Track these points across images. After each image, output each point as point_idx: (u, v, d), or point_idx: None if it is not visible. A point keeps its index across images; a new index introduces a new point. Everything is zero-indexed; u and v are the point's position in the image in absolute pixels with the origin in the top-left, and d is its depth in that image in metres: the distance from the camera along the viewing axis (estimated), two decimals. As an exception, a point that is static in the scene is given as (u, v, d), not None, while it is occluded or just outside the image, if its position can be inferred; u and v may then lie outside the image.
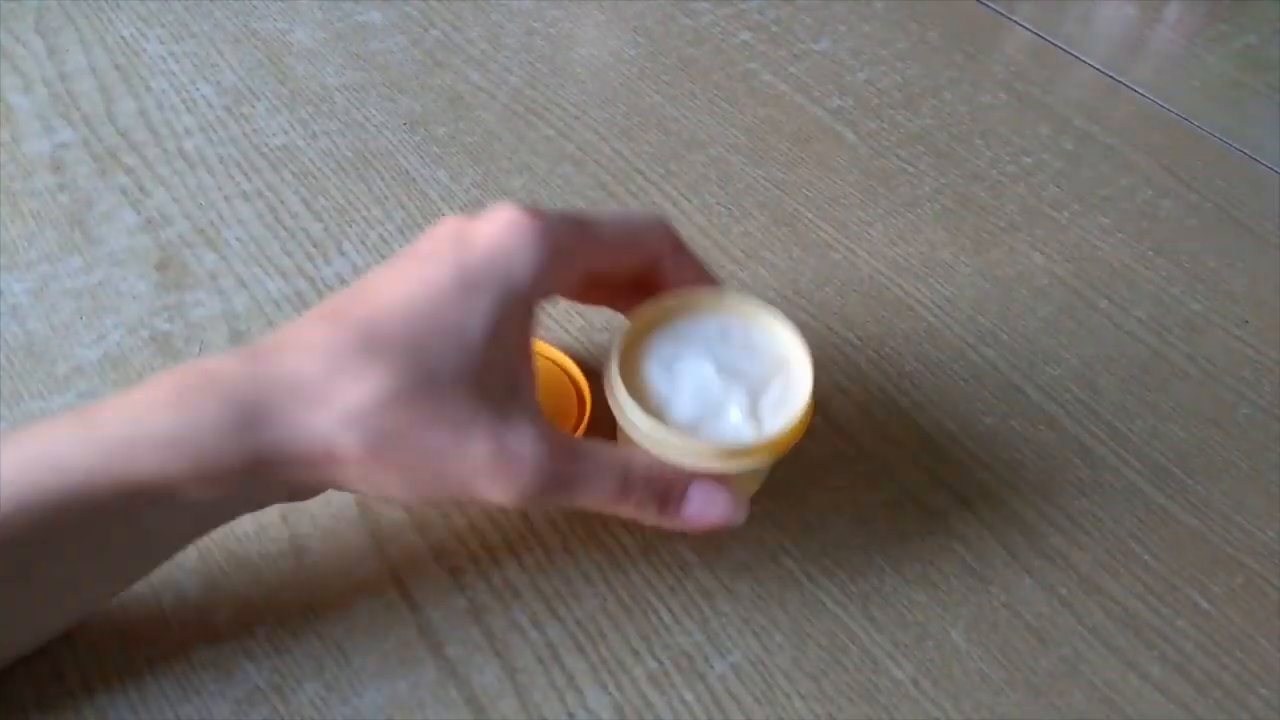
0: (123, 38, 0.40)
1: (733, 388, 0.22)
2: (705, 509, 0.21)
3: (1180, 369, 0.34)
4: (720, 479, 0.22)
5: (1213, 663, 0.26)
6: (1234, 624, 0.27)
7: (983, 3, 0.51)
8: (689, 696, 0.24)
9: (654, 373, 0.22)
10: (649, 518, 0.21)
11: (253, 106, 0.38)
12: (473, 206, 0.36)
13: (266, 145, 0.37)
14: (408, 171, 0.37)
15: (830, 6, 0.49)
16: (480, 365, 0.18)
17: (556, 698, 0.23)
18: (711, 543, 0.26)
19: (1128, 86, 0.47)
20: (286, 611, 0.24)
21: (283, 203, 0.35)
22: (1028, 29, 0.50)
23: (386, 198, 0.36)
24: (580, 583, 0.25)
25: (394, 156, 0.37)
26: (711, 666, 0.24)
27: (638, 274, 0.23)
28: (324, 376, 0.18)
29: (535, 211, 0.20)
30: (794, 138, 0.41)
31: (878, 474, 0.29)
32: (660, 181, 0.38)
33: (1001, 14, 0.51)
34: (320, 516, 0.26)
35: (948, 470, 0.29)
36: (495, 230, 0.19)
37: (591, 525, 0.26)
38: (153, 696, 0.22)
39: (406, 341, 0.18)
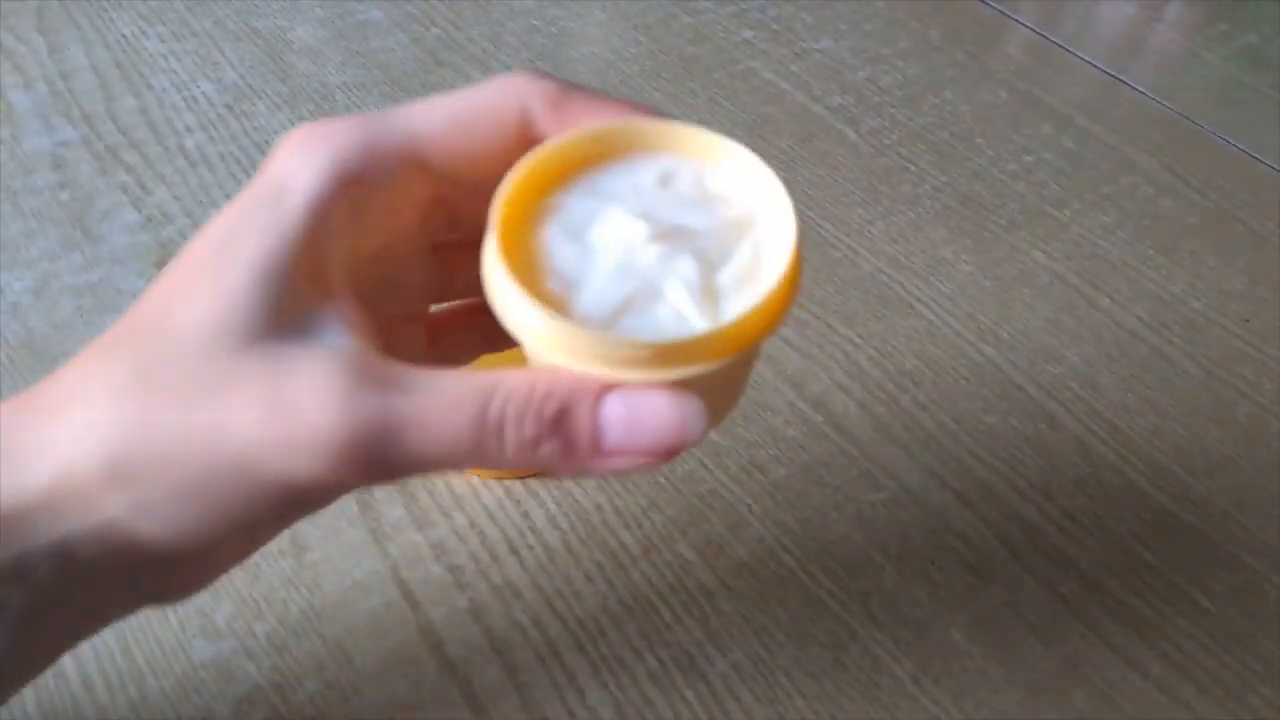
0: (123, 36, 0.40)
1: (675, 256, 0.14)
2: (633, 430, 0.13)
3: (1181, 367, 0.34)
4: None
5: (1213, 661, 0.26)
6: (1234, 622, 0.27)
7: (984, 2, 0.51)
8: (690, 695, 0.24)
9: (555, 243, 0.15)
10: (556, 460, 0.13)
11: (254, 104, 0.38)
12: (473, 205, 0.36)
13: (267, 143, 0.37)
14: (408, 170, 0.37)
15: (831, 5, 0.49)
16: (245, 314, 0.13)
17: (557, 696, 0.23)
18: (712, 541, 0.26)
19: (1128, 85, 0.47)
20: (286, 611, 0.24)
21: (283, 201, 0.35)
22: (1029, 28, 0.50)
23: (387, 196, 0.36)
24: (581, 581, 0.25)
25: (394, 155, 0.37)
26: (712, 665, 0.24)
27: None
28: (57, 397, 0.13)
29: (323, 121, 0.15)
30: (795, 136, 0.40)
31: (878, 472, 0.29)
32: (661, 180, 0.38)
33: (1003, 13, 0.51)
34: (320, 515, 0.26)
35: (948, 468, 0.29)
36: (270, 162, 0.15)
37: (592, 523, 0.26)
38: (153, 696, 0.22)
39: (153, 321, 0.13)
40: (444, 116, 0.15)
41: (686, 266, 0.14)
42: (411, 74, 0.41)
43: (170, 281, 0.14)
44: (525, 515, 0.26)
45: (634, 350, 0.13)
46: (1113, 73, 0.48)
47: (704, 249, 0.15)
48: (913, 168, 0.40)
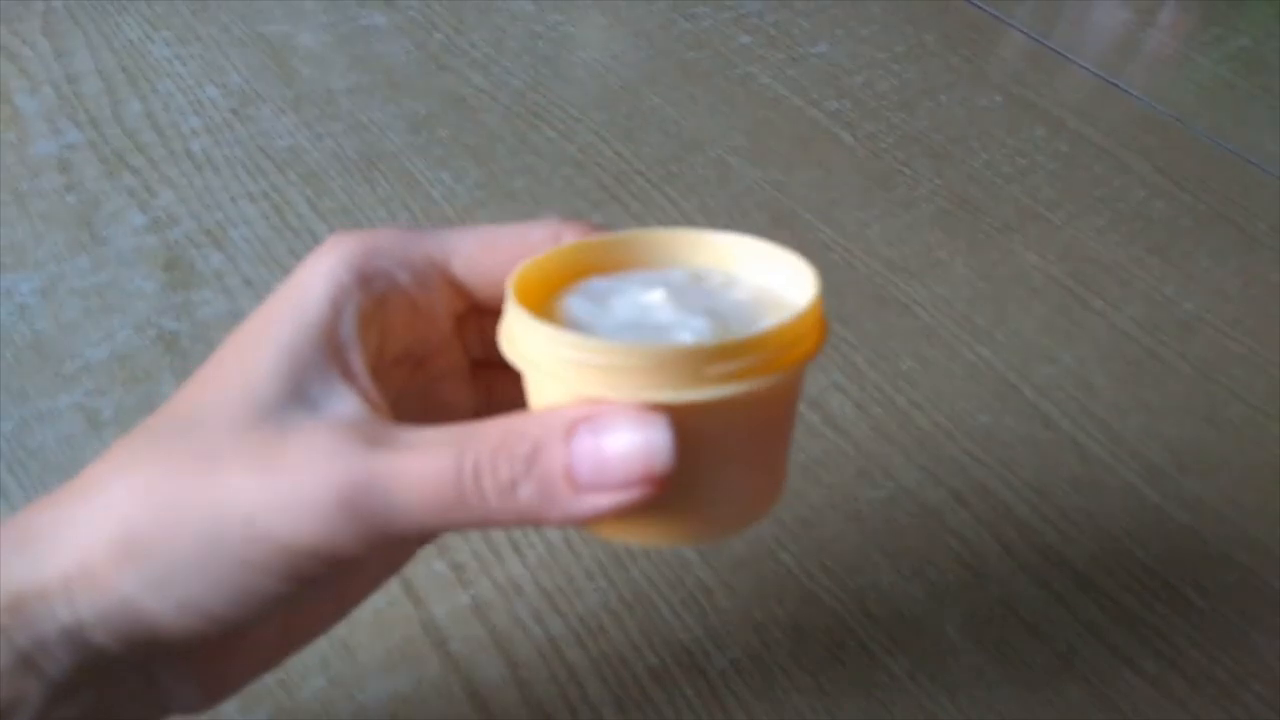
0: (129, 40, 0.41)
1: (690, 316, 0.14)
2: (601, 460, 0.13)
3: (1174, 368, 0.34)
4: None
5: (1206, 658, 0.26)
6: (1228, 620, 0.27)
7: (979, 6, 0.52)
8: (689, 691, 0.24)
9: (575, 304, 0.15)
10: (537, 504, 0.13)
11: (258, 108, 0.38)
12: (475, 207, 0.36)
13: (272, 147, 0.37)
14: (411, 173, 0.37)
15: (828, 10, 0.50)
16: (262, 394, 0.14)
17: (558, 692, 0.24)
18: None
19: (1122, 89, 0.48)
20: (292, 606, 0.24)
21: (288, 203, 0.35)
22: (1023, 32, 0.51)
23: (390, 199, 0.36)
24: (582, 579, 0.26)
25: (398, 158, 0.37)
26: (711, 661, 0.24)
27: None
28: (83, 487, 0.14)
29: (358, 230, 0.16)
30: (792, 140, 0.41)
31: (874, 471, 0.29)
32: (660, 183, 0.38)
33: (997, 18, 0.51)
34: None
35: (944, 467, 0.30)
36: (301, 263, 0.15)
37: (593, 522, 0.27)
38: (160, 690, 0.22)
39: (180, 409, 0.14)
40: (476, 235, 0.16)
41: (699, 323, 0.14)
42: (414, 78, 0.41)
43: (203, 371, 0.15)
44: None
45: (611, 356, 0.12)
46: (1106, 76, 0.48)
47: (722, 315, 0.14)
48: (908, 171, 0.41)
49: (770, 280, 0.15)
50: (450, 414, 0.17)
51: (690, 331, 0.13)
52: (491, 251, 0.16)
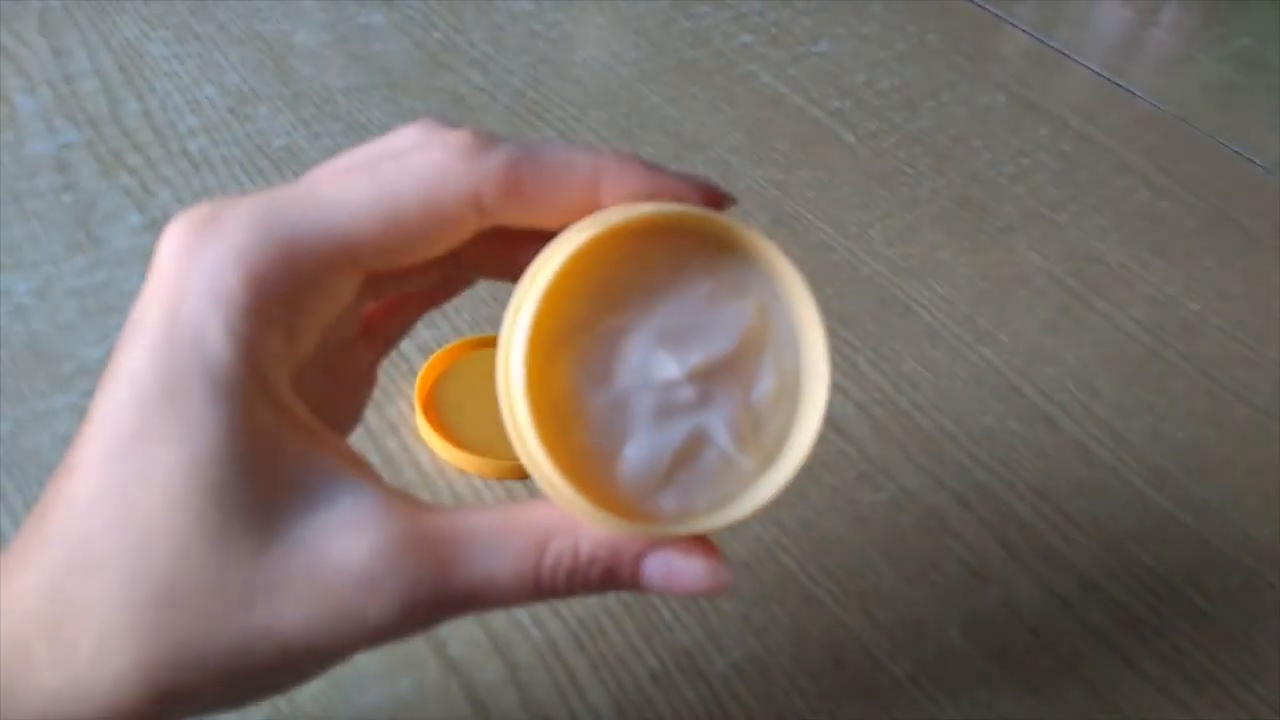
0: (126, 39, 0.41)
1: (712, 395, 0.14)
2: (671, 584, 0.13)
3: (1177, 369, 0.34)
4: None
5: (1210, 661, 0.26)
6: (1231, 623, 0.27)
7: (981, 5, 0.52)
8: (689, 694, 0.24)
9: (584, 387, 0.13)
10: (590, 592, 0.14)
11: (256, 108, 0.38)
12: (474, 207, 0.36)
13: (270, 146, 0.37)
14: (410, 173, 0.37)
15: (829, 9, 0.49)
16: (232, 507, 0.11)
17: (558, 696, 0.23)
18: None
19: (1125, 88, 0.47)
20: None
21: (285, 204, 0.35)
22: (1025, 31, 0.50)
23: (388, 199, 0.36)
24: (581, 581, 0.26)
25: (396, 158, 0.37)
26: (712, 664, 0.24)
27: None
28: (56, 638, 0.11)
29: (207, 212, 0.12)
30: (794, 139, 0.41)
31: (876, 473, 0.29)
32: (661, 183, 0.38)
33: (999, 17, 0.51)
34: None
35: (946, 470, 0.30)
36: (155, 284, 0.12)
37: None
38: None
39: (115, 536, 0.11)
40: (375, 214, 0.12)
41: (724, 403, 0.14)
42: (413, 77, 0.41)
43: (108, 471, 0.11)
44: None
45: (690, 529, 0.13)
46: (1109, 76, 0.48)
47: (734, 370, 0.14)
48: (910, 171, 0.40)
49: (748, 265, 0.14)
50: (346, 373, 0.16)
51: (722, 425, 0.14)
52: (403, 239, 0.13)
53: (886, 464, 0.29)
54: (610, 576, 0.13)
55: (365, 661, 0.24)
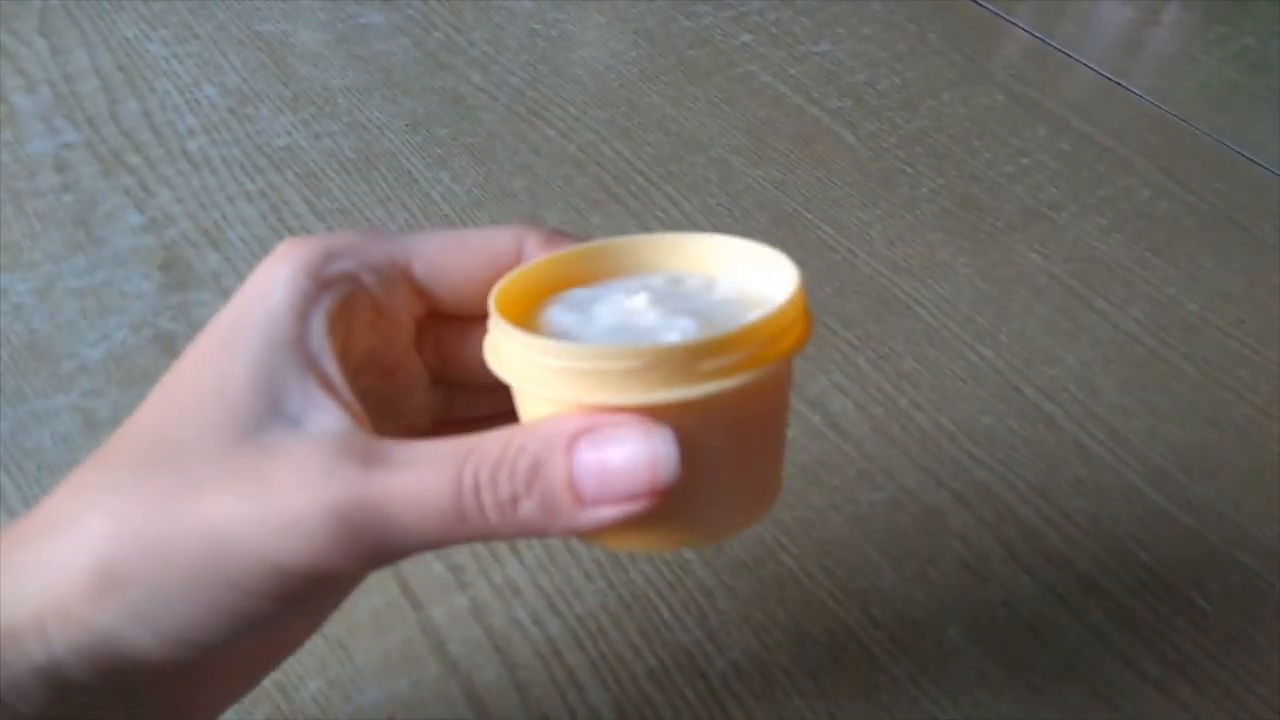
0: (126, 39, 0.41)
1: (675, 316, 0.14)
2: (606, 472, 0.12)
3: (1177, 369, 0.34)
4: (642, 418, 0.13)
5: (1210, 661, 0.26)
6: (1232, 622, 0.27)
7: (981, 5, 0.52)
8: (689, 693, 0.24)
9: (556, 314, 0.15)
10: (540, 519, 0.13)
11: (256, 108, 0.38)
12: (474, 207, 0.36)
13: (270, 146, 0.37)
14: (410, 172, 0.37)
15: (829, 9, 0.49)
16: (239, 412, 0.13)
17: (557, 694, 0.23)
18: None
19: (1125, 88, 0.47)
20: (289, 609, 0.24)
21: (286, 203, 0.35)
22: (1026, 31, 0.50)
23: (389, 198, 0.36)
24: (580, 580, 0.26)
25: (396, 157, 0.37)
26: (711, 663, 0.24)
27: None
28: (52, 516, 0.13)
29: (314, 235, 0.15)
30: (794, 139, 0.41)
31: (876, 472, 0.29)
32: (661, 182, 0.38)
33: (1000, 16, 0.51)
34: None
35: (946, 469, 0.30)
36: (256, 271, 0.15)
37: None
38: (156, 693, 0.22)
39: (149, 427, 0.14)
40: (438, 238, 0.16)
41: (686, 324, 0.14)
42: (413, 77, 0.41)
43: (165, 389, 0.14)
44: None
45: (598, 361, 0.12)
46: (1109, 75, 0.48)
47: (706, 315, 0.14)
48: (910, 170, 0.40)
49: (751, 278, 0.15)
50: (410, 424, 0.17)
51: (677, 332, 0.13)
52: (454, 255, 0.15)
53: (886, 463, 0.29)
54: (539, 469, 0.12)
55: (364, 660, 0.24)
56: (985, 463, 0.30)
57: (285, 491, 0.12)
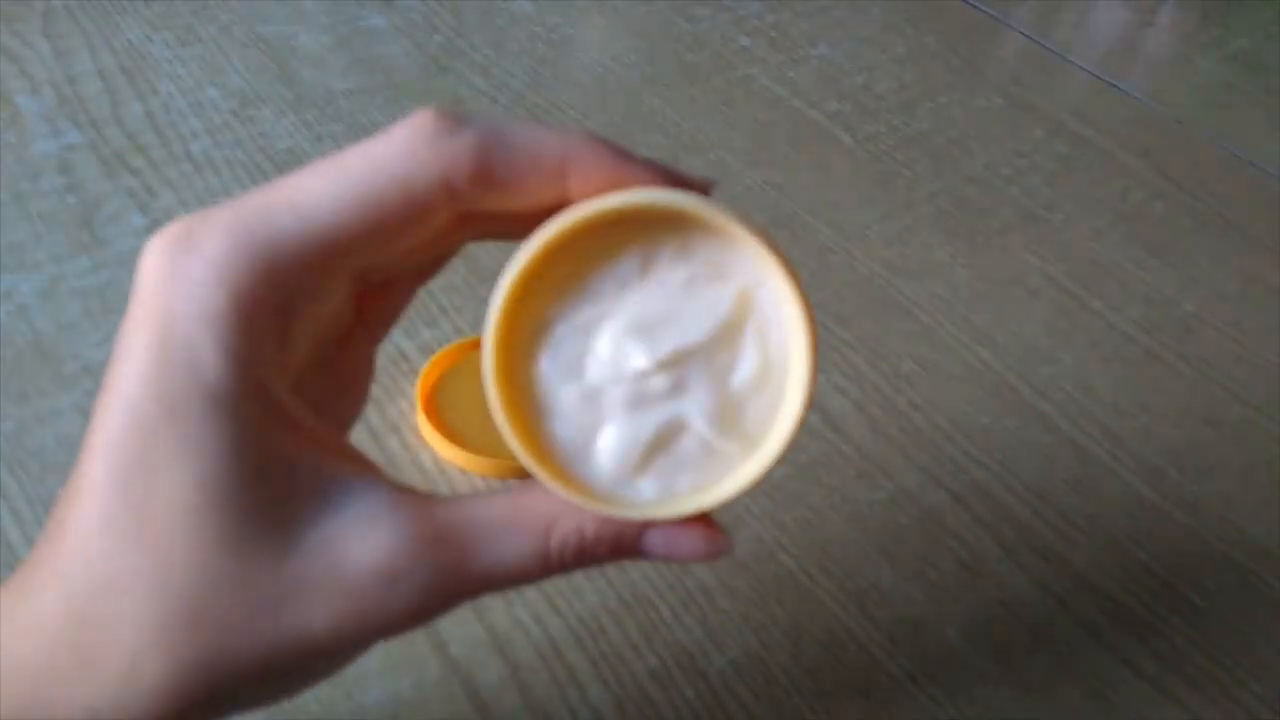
0: (129, 41, 0.41)
1: (686, 383, 0.14)
2: (673, 553, 0.14)
3: (1174, 369, 0.34)
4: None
5: (1206, 659, 0.26)
6: (1227, 620, 0.27)
7: (978, 8, 0.52)
8: (689, 692, 0.24)
9: (553, 382, 0.14)
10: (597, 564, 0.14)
11: (259, 110, 0.39)
12: (475, 209, 0.36)
13: (273, 148, 0.37)
14: (411, 174, 0.37)
15: (828, 12, 0.50)
16: (243, 507, 0.12)
17: (558, 694, 0.24)
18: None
19: (1121, 90, 0.48)
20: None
21: (287, 205, 0.35)
22: (1022, 34, 0.51)
23: (390, 200, 0.36)
24: (581, 579, 0.26)
25: (397, 159, 0.38)
26: (711, 663, 0.24)
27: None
28: (88, 659, 0.12)
29: (182, 229, 0.12)
30: (792, 141, 0.41)
31: (874, 472, 0.29)
32: (660, 184, 0.38)
33: (996, 19, 0.51)
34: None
35: (943, 469, 0.30)
36: (140, 307, 0.12)
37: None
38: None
39: (117, 562, 0.12)
40: (350, 211, 0.12)
41: (700, 393, 0.14)
42: (414, 79, 0.41)
43: (110, 517, 0.11)
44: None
45: (671, 510, 0.14)
46: (1106, 77, 0.48)
47: (709, 363, 0.14)
48: (908, 172, 0.41)
49: (726, 253, 0.14)
50: (345, 365, 0.15)
51: (700, 416, 0.14)
52: (379, 230, 0.12)
53: (884, 463, 0.30)
54: (615, 553, 0.14)
55: (366, 660, 0.24)
56: (983, 462, 0.30)
57: (379, 597, 0.12)
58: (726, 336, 0.14)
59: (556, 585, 0.26)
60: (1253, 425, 0.33)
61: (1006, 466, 0.30)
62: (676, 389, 0.14)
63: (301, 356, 0.13)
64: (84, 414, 0.28)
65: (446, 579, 0.13)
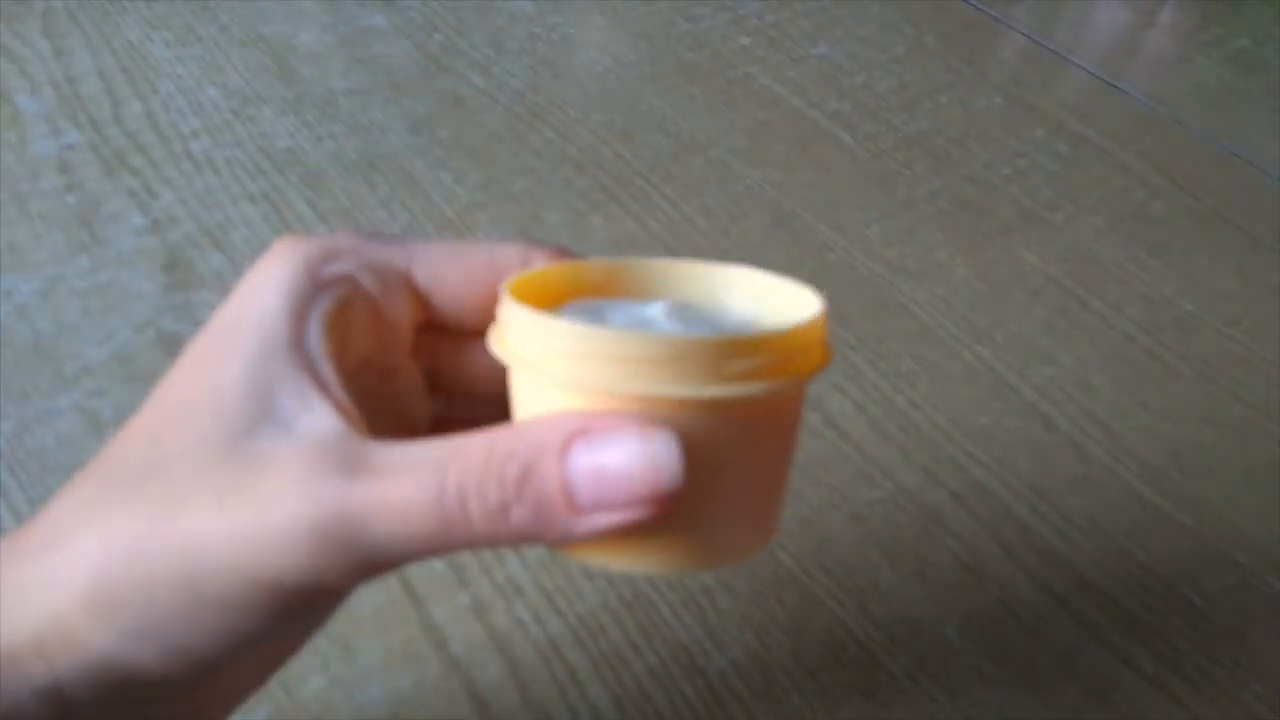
0: (129, 41, 0.41)
1: (695, 327, 0.13)
2: (602, 479, 0.12)
3: (1173, 369, 0.34)
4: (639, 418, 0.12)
5: (1207, 659, 0.26)
6: (1227, 620, 0.27)
7: (978, 7, 0.52)
8: (689, 691, 0.24)
9: (569, 315, 0.14)
10: (532, 527, 0.12)
11: (259, 109, 0.39)
12: (475, 208, 0.36)
13: (272, 148, 0.37)
14: (411, 174, 0.37)
15: (828, 11, 0.50)
16: (232, 419, 0.13)
17: (558, 693, 0.24)
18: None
19: (1121, 90, 0.48)
20: (292, 607, 0.24)
21: (288, 204, 0.35)
22: (1023, 33, 0.51)
23: (391, 200, 0.36)
24: (581, 579, 0.26)
25: (398, 159, 0.38)
26: (711, 662, 0.25)
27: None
28: (46, 534, 0.13)
29: (312, 234, 0.15)
30: (792, 141, 0.41)
31: (874, 472, 0.29)
32: (660, 184, 0.38)
33: (997, 18, 0.51)
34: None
35: (943, 468, 0.30)
36: (252, 270, 0.14)
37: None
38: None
39: (142, 437, 0.13)
40: (440, 246, 0.15)
41: (705, 331, 0.13)
42: (414, 79, 0.41)
43: (159, 395, 0.14)
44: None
45: (622, 346, 0.11)
46: (1106, 77, 0.48)
47: (726, 329, 0.14)
48: (908, 172, 0.41)
49: (769, 306, 0.14)
50: (409, 426, 0.17)
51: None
52: (456, 265, 0.15)
53: (884, 462, 0.30)
54: (530, 474, 0.12)
55: (366, 658, 0.24)
56: (982, 462, 0.30)
57: (267, 505, 0.12)
58: (746, 328, 0.14)
59: (557, 585, 0.26)
60: (1253, 425, 0.33)
61: (1006, 466, 0.30)
62: (682, 326, 0.13)
63: (360, 346, 0.15)
64: (84, 414, 0.28)
65: (329, 494, 0.12)
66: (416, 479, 0.12)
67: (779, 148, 0.40)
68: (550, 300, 0.14)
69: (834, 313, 0.34)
